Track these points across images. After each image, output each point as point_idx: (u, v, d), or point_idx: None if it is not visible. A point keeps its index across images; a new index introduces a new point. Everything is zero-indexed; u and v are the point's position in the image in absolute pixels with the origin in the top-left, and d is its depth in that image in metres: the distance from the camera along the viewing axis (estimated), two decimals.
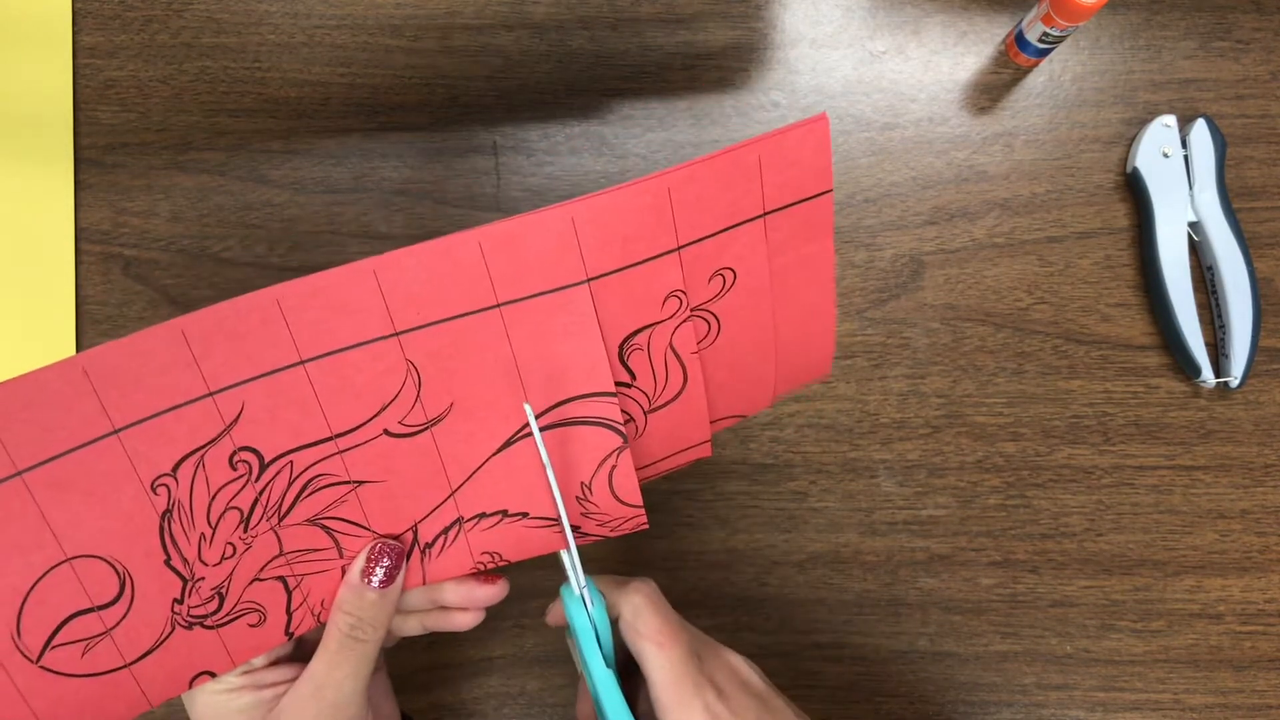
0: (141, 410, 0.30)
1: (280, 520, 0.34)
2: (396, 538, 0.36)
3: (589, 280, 0.33)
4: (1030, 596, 0.53)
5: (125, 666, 0.33)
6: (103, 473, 0.31)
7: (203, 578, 0.33)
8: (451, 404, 0.34)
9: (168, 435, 0.31)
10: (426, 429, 0.34)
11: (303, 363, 0.32)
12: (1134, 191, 0.55)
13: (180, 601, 0.33)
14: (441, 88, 0.56)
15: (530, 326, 0.34)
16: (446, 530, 0.37)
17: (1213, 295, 0.55)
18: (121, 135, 0.55)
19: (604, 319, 0.34)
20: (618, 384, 0.35)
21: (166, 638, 0.34)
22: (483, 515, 0.37)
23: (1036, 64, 0.56)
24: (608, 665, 0.36)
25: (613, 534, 0.39)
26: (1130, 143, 0.56)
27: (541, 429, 0.35)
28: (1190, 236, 0.54)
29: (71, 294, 0.54)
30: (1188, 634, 0.53)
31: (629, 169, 0.55)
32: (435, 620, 0.39)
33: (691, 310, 0.36)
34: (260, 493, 0.33)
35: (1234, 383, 0.53)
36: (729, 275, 0.36)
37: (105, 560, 0.32)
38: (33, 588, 0.31)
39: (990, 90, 0.56)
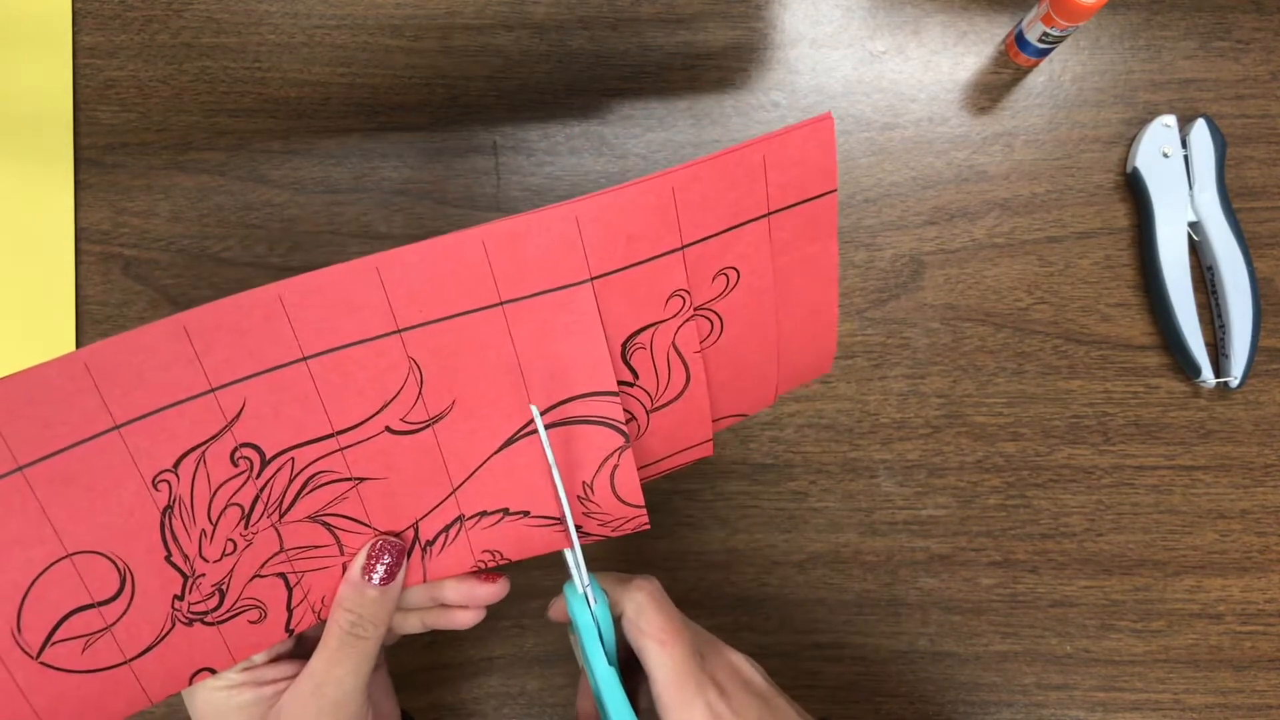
0: (143, 406, 0.30)
1: (281, 517, 0.34)
2: (397, 535, 0.36)
3: (592, 279, 0.33)
4: (1030, 596, 0.53)
5: (125, 663, 0.33)
6: (104, 468, 0.30)
7: (203, 574, 0.33)
8: (453, 402, 0.34)
9: (169, 431, 0.31)
10: (428, 426, 0.34)
11: (305, 359, 0.32)
12: (1134, 191, 0.55)
13: (181, 598, 0.33)
14: (441, 88, 0.56)
15: (533, 325, 0.33)
16: (447, 528, 0.37)
17: (1213, 295, 0.55)
18: (121, 135, 0.55)
19: (607, 318, 0.34)
20: (620, 383, 0.35)
21: (167, 634, 0.33)
22: (484, 513, 0.37)
23: (1036, 64, 0.56)
24: (610, 662, 0.36)
25: (614, 534, 0.38)
26: (1130, 143, 0.56)
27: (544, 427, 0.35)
28: (1190, 236, 0.54)
29: (71, 294, 0.54)
30: (1188, 634, 0.53)
31: (629, 169, 0.55)
32: (436, 618, 0.39)
33: (695, 310, 0.35)
34: (261, 489, 0.33)
35: (1234, 383, 0.53)
36: (732, 275, 0.36)
37: (106, 556, 0.32)
38: (33, 583, 0.31)
39: (990, 90, 0.56)
